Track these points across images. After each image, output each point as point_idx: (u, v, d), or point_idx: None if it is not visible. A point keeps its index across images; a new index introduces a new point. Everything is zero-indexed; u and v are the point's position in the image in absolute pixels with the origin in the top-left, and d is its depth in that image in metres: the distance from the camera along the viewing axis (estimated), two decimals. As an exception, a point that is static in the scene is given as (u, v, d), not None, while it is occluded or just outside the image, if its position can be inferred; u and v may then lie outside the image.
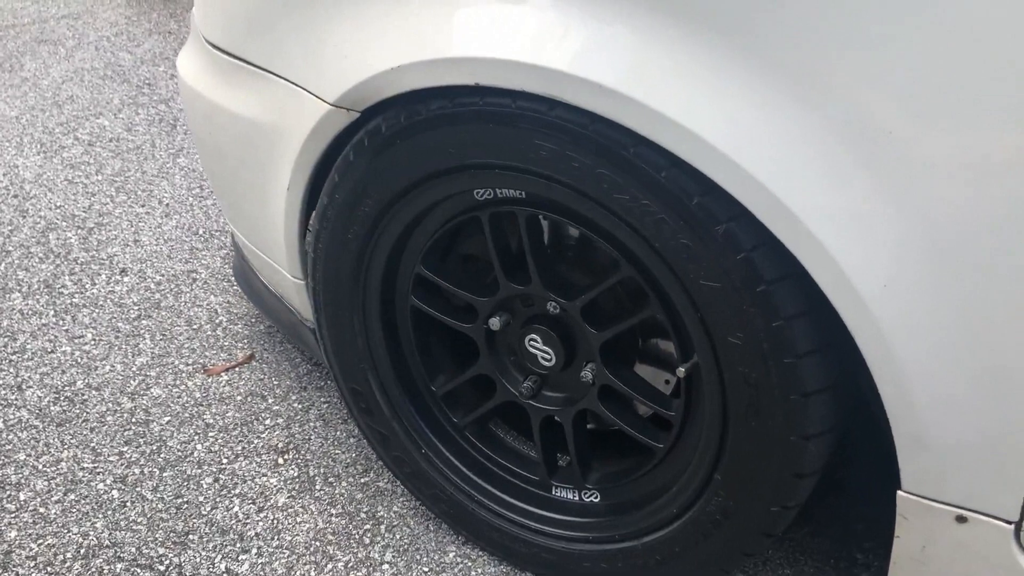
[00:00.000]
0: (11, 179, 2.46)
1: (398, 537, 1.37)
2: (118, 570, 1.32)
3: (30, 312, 1.91)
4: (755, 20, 0.82)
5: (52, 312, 1.90)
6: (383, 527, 1.39)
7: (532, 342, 1.19)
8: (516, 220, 1.11)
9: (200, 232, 2.19)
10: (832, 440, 1.01)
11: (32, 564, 1.33)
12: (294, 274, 1.38)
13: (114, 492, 1.46)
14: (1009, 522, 0.91)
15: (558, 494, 1.26)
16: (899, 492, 0.97)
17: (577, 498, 1.25)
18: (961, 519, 0.94)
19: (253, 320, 1.87)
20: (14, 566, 1.33)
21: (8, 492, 1.46)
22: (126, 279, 2.01)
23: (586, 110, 0.93)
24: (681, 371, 1.06)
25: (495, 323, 1.19)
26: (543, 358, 1.19)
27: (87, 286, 1.99)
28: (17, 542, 1.37)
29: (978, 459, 0.90)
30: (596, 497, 1.23)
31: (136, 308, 1.91)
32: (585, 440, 1.24)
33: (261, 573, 1.31)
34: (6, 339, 1.82)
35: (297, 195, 1.26)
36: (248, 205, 1.43)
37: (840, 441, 1.04)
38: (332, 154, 1.19)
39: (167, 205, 2.32)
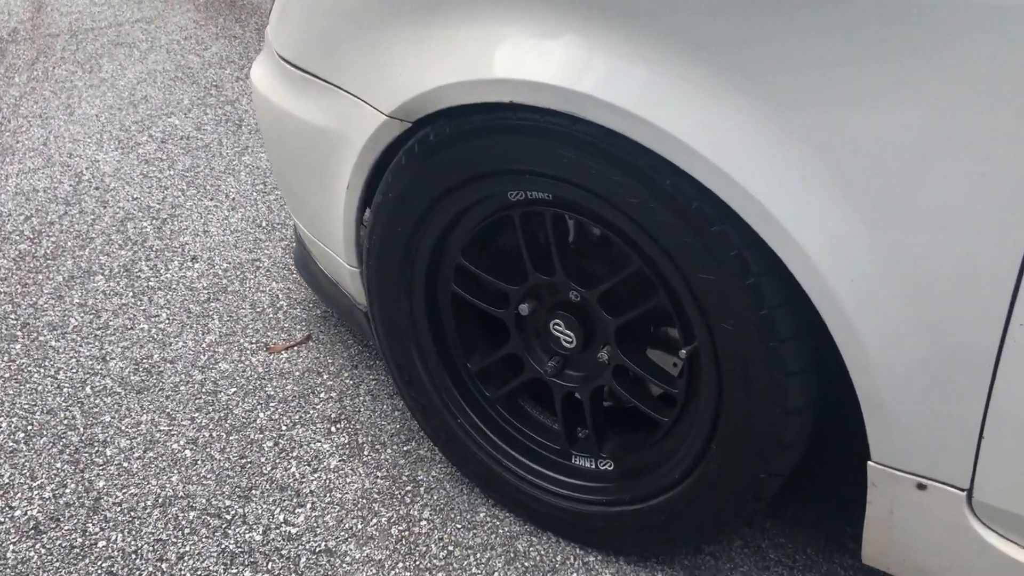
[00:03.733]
0: (93, 172, 2.69)
1: (435, 498, 1.55)
2: (191, 517, 1.52)
3: (112, 293, 2.12)
4: (746, 54, 0.98)
5: (131, 293, 2.12)
6: (422, 489, 1.57)
7: (556, 326, 1.35)
8: (544, 218, 1.27)
9: (263, 224, 2.40)
10: (810, 416, 1.16)
11: (118, 509, 1.53)
12: (350, 262, 1.56)
13: (187, 452, 1.65)
14: (961, 489, 1.06)
15: (577, 462, 1.43)
16: (869, 462, 1.12)
17: (593, 466, 1.41)
18: (921, 486, 1.09)
19: (311, 305, 2.06)
20: (103, 510, 1.53)
21: (96, 448, 1.66)
22: (196, 265, 2.22)
23: (603, 126, 1.09)
24: (683, 353, 1.22)
25: (524, 309, 1.36)
26: (565, 340, 1.36)
27: (161, 271, 2.20)
28: (105, 490, 1.57)
29: (933, 433, 1.04)
30: (610, 465, 1.39)
31: (205, 292, 2.12)
32: (602, 414, 1.40)
33: (315, 524, 1.50)
34: (91, 316, 2.04)
35: (355, 193, 1.44)
36: (311, 200, 1.61)
37: (821, 418, 1.19)
38: (386, 158, 1.37)
39: (233, 199, 2.53)
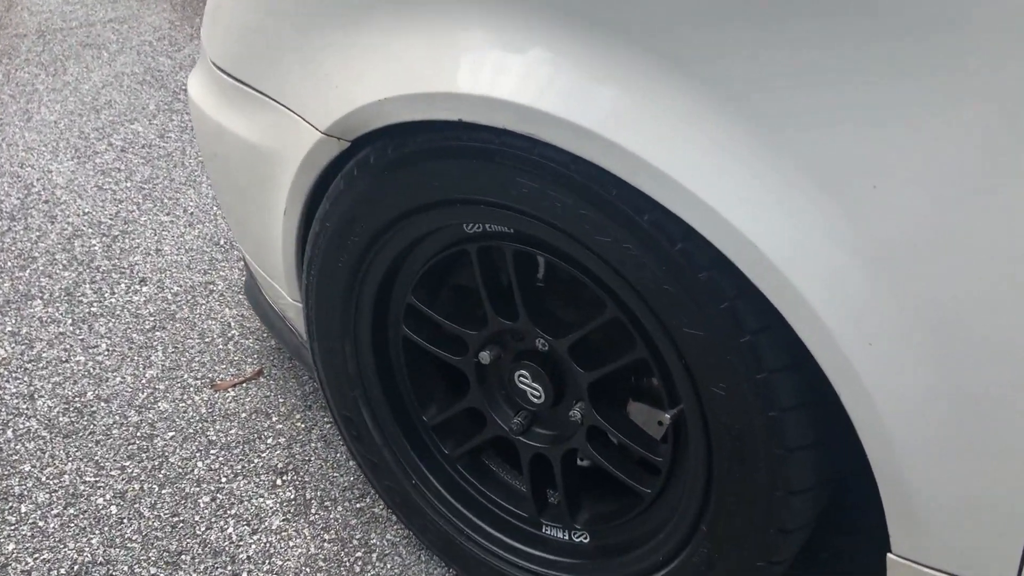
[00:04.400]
0: (43, 184, 2.51)
1: (388, 567, 1.36)
2: (109, 588, 1.33)
3: (49, 320, 1.93)
4: (732, 70, 0.79)
5: (70, 320, 1.93)
6: (375, 555, 1.38)
7: (522, 378, 1.16)
8: (504, 254, 1.08)
9: (221, 243, 2.21)
10: (818, 497, 0.97)
11: (26, 579, 1.35)
12: (293, 296, 1.38)
13: (112, 508, 1.46)
14: (1003, 593, 0.87)
15: (548, 532, 1.24)
16: (889, 555, 0.93)
17: (567, 538, 1.22)
18: (953, 587, 0.90)
19: (264, 335, 1.87)
20: (9, 580, 1.35)
21: (11, 504, 1.48)
22: (144, 289, 2.03)
23: (568, 151, 0.90)
24: (666, 417, 1.03)
25: (485, 357, 1.17)
26: (532, 394, 1.17)
27: (106, 295, 2.01)
28: (14, 555, 1.38)
29: (966, 526, 0.85)
30: (585, 538, 1.20)
31: (152, 319, 1.93)
32: (575, 479, 1.21)
33: (249, 598, 1.31)
34: (23, 347, 1.85)
35: (293, 220, 1.26)
36: (251, 226, 1.43)
37: (829, 499, 1.00)
38: (326, 181, 1.18)
39: (191, 214, 2.34)
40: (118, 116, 2.95)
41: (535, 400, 1.17)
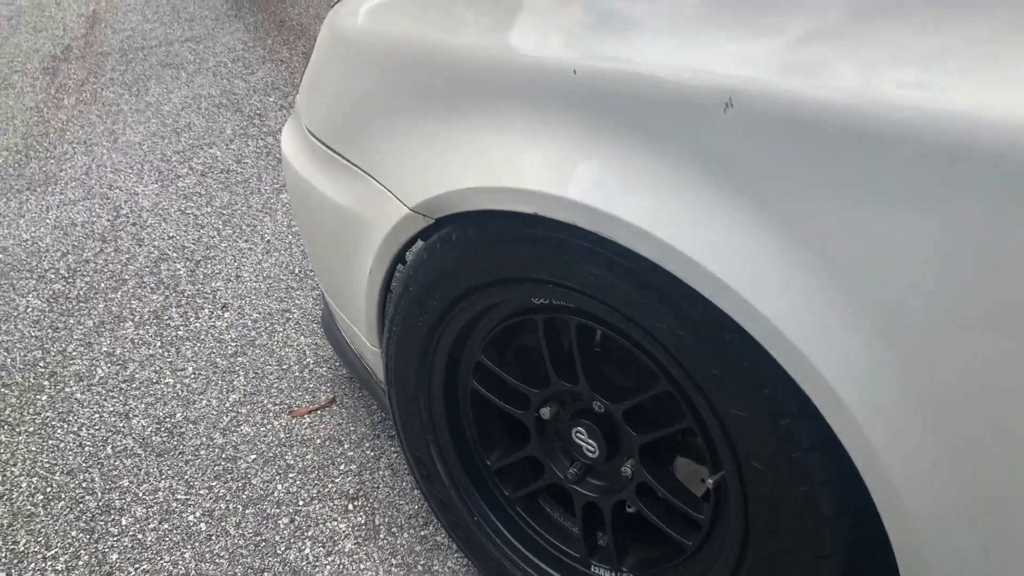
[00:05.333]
0: (131, 207, 2.69)
1: (449, 592, 1.50)
2: (201, 600, 1.49)
3: (140, 342, 2.10)
4: (766, 188, 0.91)
5: (159, 343, 2.10)
6: (437, 581, 1.52)
7: (578, 434, 1.29)
8: (568, 325, 1.21)
9: (296, 271, 2.37)
10: (844, 561, 1.08)
11: (128, 587, 1.51)
12: (371, 342, 1.52)
13: (202, 525, 1.62)
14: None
15: (596, 572, 1.36)
16: (906, 618, 1.04)
17: (614, 577, 1.35)
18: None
19: (337, 365, 2.02)
20: (113, 588, 1.51)
21: (112, 516, 1.64)
22: (226, 315, 2.20)
23: (630, 249, 1.03)
24: (710, 482, 1.15)
25: (545, 413, 1.30)
26: (588, 449, 1.29)
27: (191, 319, 2.18)
28: (118, 565, 1.55)
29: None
30: (631, 579, 1.33)
31: (233, 344, 2.09)
32: (624, 526, 1.33)
33: (325, 615, 1.46)
34: (118, 367, 2.02)
35: (378, 278, 1.40)
36: (336, 275, 1.57)
37: (855, 563, 1.11)
38: (409, 246, 1.32)
39: (268, 242, 2.50)
40: (197, 140, 3.14)
41: (590, 455, 1.29)
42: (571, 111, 1.07)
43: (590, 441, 1.28)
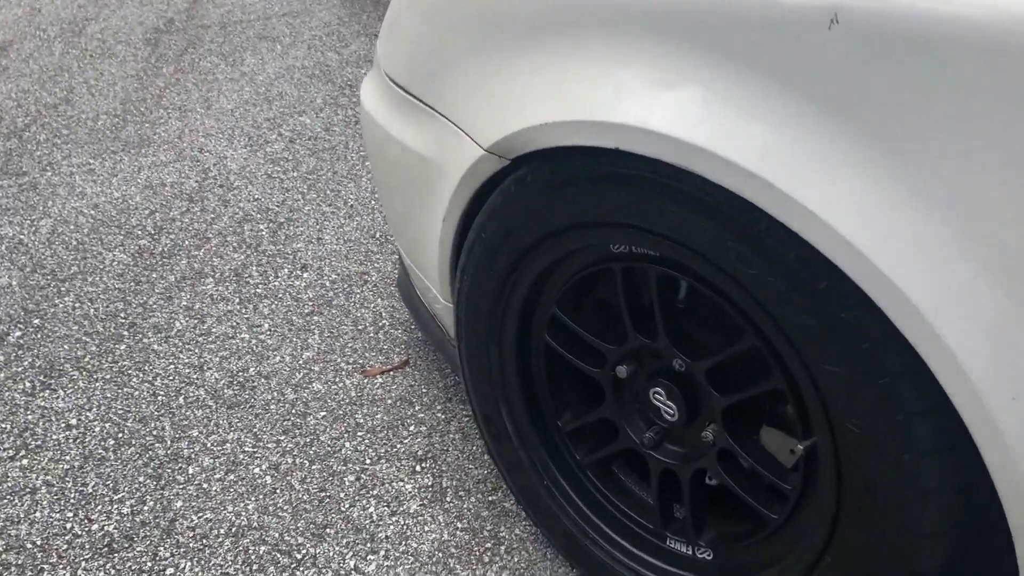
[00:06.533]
0: (219, 169, 2.71)
1: (515, 560, 1.43)
2: (261, 552, 1.45)
3: (219, 298, 2.10)
4: (884, 117, 0.81)
5: (237, 300, 2.09)
6: (503, 548, 1.45)
7: (656, 395, 1.20)
8: (648, 276, 1.12)
9: (377, 236, 2.33)
10: (951, 542, 0.97)
11: (191, 534, 1.49)
12: (444, 296, 1.46)
13: (267, 478, 1.59)
14: None
15: (671, 545, 1.27)
16: (1020, 608, 0.92)
17: (690, 552, 1.25)
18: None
19: (412, 328, 1.97)
20: (176, 533, 1.49)
21: (180, 465, 1.63)
22: (305, 275, 2.18)
23: (719, 184, 0.94)
24: (799, 448, 1.05)
25: (622, 371, 1.22)
26: (666, 412, 1.20)
27: (270, 278, 2.17)
28: (181, 512, 1.53)
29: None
30: (708, 555, 1.23)
31: (310, 304, 2.07)
32: (702, 497, 1.24)
33: (385, 575, 1.41)
34: (196, 321, 2.02)
35: (451, 226, 1.33)
36: (409, 227, 1.52)
37: (964, 544, 1.00)
38: (485, 192, 1.25)
39: (351, 206, 2.48)
40: (288, 108, 3.15)
41: (668, 417, 1.20)
42: (656, 34, 0.98)
43: (669, 403, 1.19)
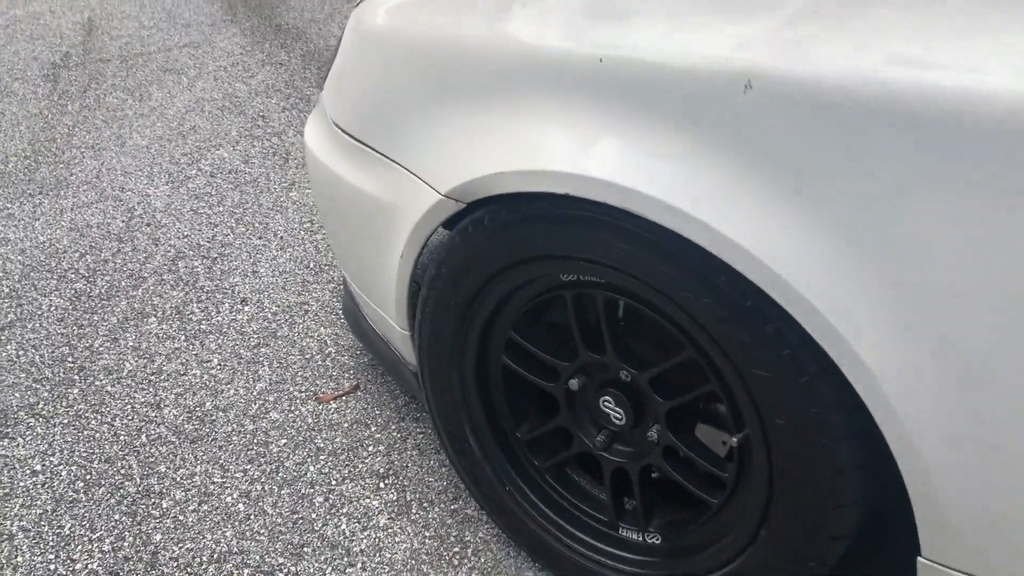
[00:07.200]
0: (144, 208, 2.75)
1: (482, 560, 1.57)
2: (245, 574, 1.56)
3: (164, 336, 2.17)
4: (793, 164, 0.99)
5: (183, 337, 2.17)
6: (470, 551, 1.59)
7: (606, 402, 1.37)
8: (595, 299, 1.29)
9: (311, 266, 2.44)
10: (862, 509, 1.17)
11: (175, 564, 1.58)
12: (401, 325, 1.59)
13: (240, 505, 1.69)
14: (1011, 590, 1.06)
15: (624, 534, 1.44)
16: (919, 559, 1.12)
17: (641, 539, 1.43)
18: (972, 585, 1.09)
19: (358, 353, 2.09)
20: (160, 564, 1.57)
21: (153, 500, 1.71)
22: (246, 308, 2.26)
23: (658, 223, 1.11)
24: (733, 441, 1.23)
25: (574, 384, 1.38)
26: (615, 417, 1.37)
27: (212, 314, 2.25)
28: (162, 544, 1.62)
29: (984, 533, 1.04)
30: (657, 539, 1.41)
31: (256, 336, 2.16)
32: (650, 489, 1.41)
33: (365, 585, 1.53)
34: (145, 360, 2.09)
35: (408, 263, 1.47)
36: (363, 263, 1.64)
37: (871, 511, 1.20)
38: (445, 228, 1.40)
39: (281, 238, 2.57)
40: (203, 142, 3.20)
41: (617, 422, 1.37)
42: (599, 97, 1.15)
43: (617, 409, 1.36)
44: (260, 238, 2.58)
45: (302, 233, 2.60)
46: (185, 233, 2.61)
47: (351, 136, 1.55)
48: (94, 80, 3.81)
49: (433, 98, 1.35)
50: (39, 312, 2.27)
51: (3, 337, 2.17)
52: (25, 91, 3.72)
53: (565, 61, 1.17)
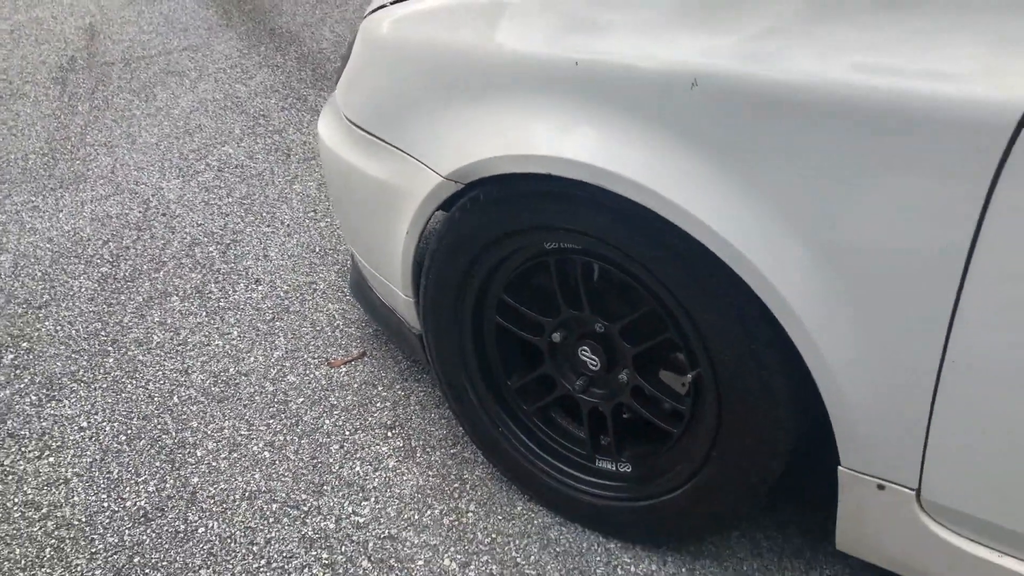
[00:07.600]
0: (159, 200, 2.99)
1: (479, 494, 1.82)
2: (274, 508, 1.80)
3: (187, 312, 2.41)
4: (738, 146, 1.25)
5: (204, 313, 2.40)
6: (468, 486, 1.84)
7: (583, 352, 1.63)
8: (574, 264, 1.54)
9: (317, 250, 2.68)
10: (795, 431, 1.43)
11: (212, 501, 1.82)
12: (406, 293, 1.84)
13: (266, 453, 1.94)
14: (911, 489, 1.32)
15: (600, 464, 1.70)
16: (839, 467, 1.38)
17: (614, 468, 1.68)
18: (880, 487, 1.35)
19: (363, 325, 2.34)
20: (199, 501, 1.82)
21: (188, 450, 1.95)
22: (260, 288, 2.50)
23: (625, 196, 1.36)
24: (688, 378, 1.49)
25: (556, 337, 1.64)
26: (591, 364, 1.63)
27: (229, 293, 2.49)
28: (199, 486, 1.86)
29: (889, 443, 1.30)
30: (628, 467, 1.67)
31: (270, 312, 2.40)
32: (622, 425, 1.67)
33: (379, 515, 1.78)
34: (171, 333, 2.32)
35: (413, 237, 1.72)
36: (371, 238, 1.89)
37: (801, 432, 1.46)
38: (442, 209, 1.65)
39: (288, 226, 2.81)
40: (209, 139, 3.43)
41: (593, 368, 1.63)
42: (575, 93, 1.40)
43: (593, 356, 1.62)
44: (268, 226, 2.81)
45: (307, 221, 2.84)
46: (199, 222, 2.84)
47: (362, 129, 1.80)
48: (100, 82, 4.02)
49: (434, 95, 1.60)
50: (71, 293, 2.50)
51: (41, 314, 2.40)
52: (37, 93, 3.93)
53: (547, 64, 1.42)
